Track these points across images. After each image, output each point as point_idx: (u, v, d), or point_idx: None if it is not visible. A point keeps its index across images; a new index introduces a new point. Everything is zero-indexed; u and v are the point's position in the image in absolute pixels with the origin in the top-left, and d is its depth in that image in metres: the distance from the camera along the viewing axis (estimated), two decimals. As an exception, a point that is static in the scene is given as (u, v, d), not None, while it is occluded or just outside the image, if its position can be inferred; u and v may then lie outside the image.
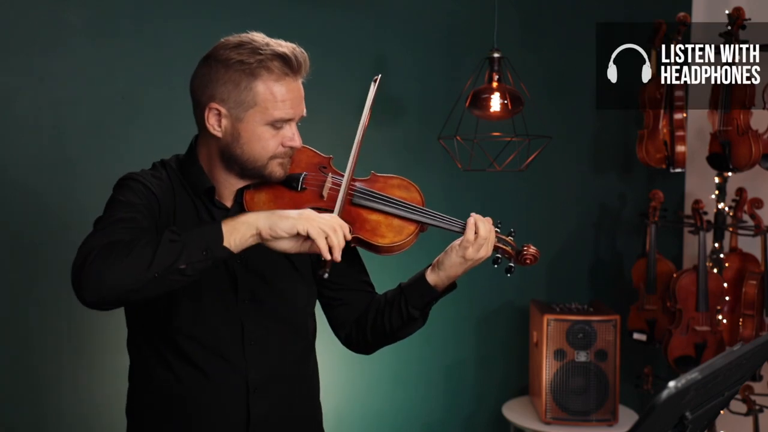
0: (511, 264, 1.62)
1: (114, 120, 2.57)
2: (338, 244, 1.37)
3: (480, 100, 2.67)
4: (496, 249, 1.59)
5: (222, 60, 1.48)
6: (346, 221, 1.51)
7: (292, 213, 1.37)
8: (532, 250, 1.61)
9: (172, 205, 1.53)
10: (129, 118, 2.59)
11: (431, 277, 1.59)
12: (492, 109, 2.67)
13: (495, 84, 2.69)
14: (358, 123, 1.56)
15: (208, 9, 2.70)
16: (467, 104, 2.71)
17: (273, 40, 1.51)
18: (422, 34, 3.13)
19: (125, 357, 1.63)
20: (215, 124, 1.50)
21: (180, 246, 1.31)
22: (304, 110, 1.55)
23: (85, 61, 2.50)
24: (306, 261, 1.64)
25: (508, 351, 3.42)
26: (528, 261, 1.60)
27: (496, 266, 1.62)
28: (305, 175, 1.58)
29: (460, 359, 3.35)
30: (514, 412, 3.19)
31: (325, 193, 1.57)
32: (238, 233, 1.34)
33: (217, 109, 1.49)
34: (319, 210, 1.51)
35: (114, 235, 1.37)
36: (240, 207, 1.56)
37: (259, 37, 1.50)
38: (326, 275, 1.41)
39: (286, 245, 1.37)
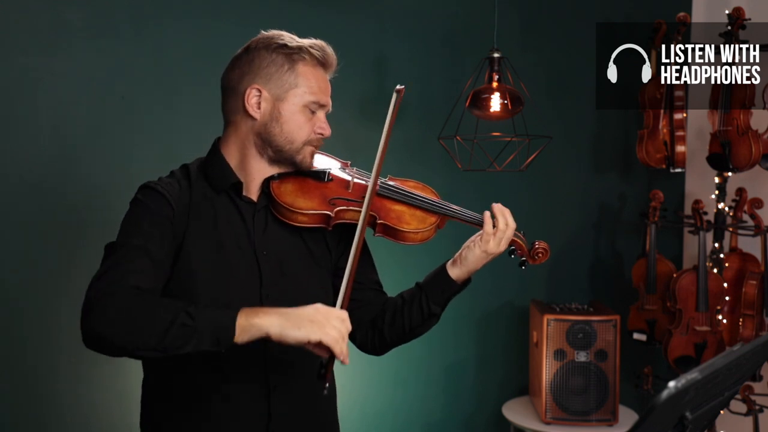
0: (524, 259, 1.72)
1: (114, 120, 2.57)
2: (346, 348, 1.39)
3: (480, 100, 2.67)
4: (511, 243, 1.68)
5: (264, 46, 1.57)
6: (372, 210, 1.60)
7: (304, 316, 1.36)
8: (543, 244, 1.71)
9: (186, 211, 1.54)
10: (129, 118, 2.59)
11: (453, 272, 1.66)
12: (492, 109, 2.67)
13: (495, 84, 2.69)
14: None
15: (208, 9, 2.70)
16: (467, 104, 2.71)
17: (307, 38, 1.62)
18: (422, 34, 3.13)
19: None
20: (255, 105, 1.57)
21: (191, 332, 1.34)
22: (331, 105, 1.63)
23: (85, 61, 2.50)
24: (326, 258, 1.67)
25: (508, 351, 3.42)
26: (540, 255, 1.70)
27: (512, 257, 1.72)
28: (330, 169, 1.66)
29: (460, 359, 3.35)
30: (514, 412, 3.19)
31: (351, 184, 1.64)
32: (247, 334, 1.35)
33: (258, 90, 1.56)
34: (346, 200, 1.60)
35: (125, 278, 1.40)
36: (267, 198, 1.60)
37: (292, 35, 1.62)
38: (326, 391, 1.45)
39: (294, 343, 1.37)
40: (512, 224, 1.65)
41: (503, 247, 1.64)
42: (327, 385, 1.44)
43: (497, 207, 1.66)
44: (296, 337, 1.34)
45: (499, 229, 1.63)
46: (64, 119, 2.49)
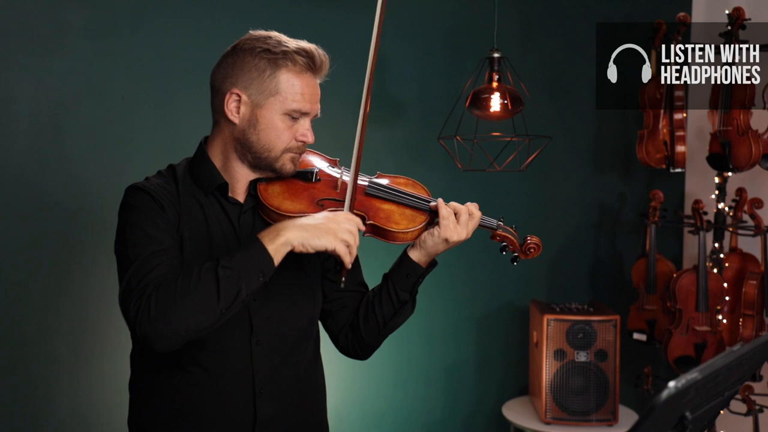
0: (516, 254, 1.70)
1: (114, 120, 2.57)
2: (356, 248, 1.47)
3: (480, 100, 2.67)
4: (503, 239, 1.68)
5: (248, 49, 1.54)
6: (360, 210, 1.59)
7: (320, 227, 1.43)
8: (535, 239, 1.69)
9: (176, 211, 1.54)
10: (129, 118, 2.59)
11: (414, 254, 1.63)
12: (492, 109, 2.67)
13: (495, 84, 2.68)
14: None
15: (208, 9, 2.70)
16: (467, 104, 2.71)
17: (296, 39, 1.58)
18: (422, 34, 3.13)
19: (124, 357, 1.63)
20: (234, 110, 1.54)
21: (236, 277, 1.38)
22: (319, 110, 1.59)
23: (85, 61, 2.50)
24: (315, 263, 1.66)
25: (508, 351, 3.42)
26: (532, 249, 1.69)
27: (504, 253, 1.70)
28: (318, 169, 1.64)
29: (460, 359, 3.35)
30: (514, 412, 3.19)
31: (339, 184, 1.62)
32: (279, 254, 1.42)
33: (238, 95, 1.54)
34: (335, 201, 1.58)
35: (159, 274, 1.42)
36: (253, 199, 1.59)
37: (283, 35, 1.57)
38: (342, 284, 1.53)
39: (314, 251, 1.44)
40: (476, 213, 1.62)
41: (464, 235, 1.60)
42: (344, 279, 1.52)
43: (454, 204, 1.63)
44: (315, 246, 1.42)
45: (461, 218, 1.60)
46: (64, 119, 2.49)
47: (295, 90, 1.53)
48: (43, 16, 2.43)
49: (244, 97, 1.53)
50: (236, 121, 1.54)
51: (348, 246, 1.44)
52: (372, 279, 1.78)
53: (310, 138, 1.57)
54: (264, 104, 1.53)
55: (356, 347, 1.72)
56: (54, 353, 2.52)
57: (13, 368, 2.47)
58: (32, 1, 2.42)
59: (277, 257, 1.41)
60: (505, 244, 1.69)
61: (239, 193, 1.60)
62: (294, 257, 1.61)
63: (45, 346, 2.51)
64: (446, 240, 1.59)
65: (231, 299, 1.38)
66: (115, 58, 2.55)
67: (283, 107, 1.53)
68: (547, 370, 3.02)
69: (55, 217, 2.49)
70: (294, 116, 1.54)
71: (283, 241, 1.41)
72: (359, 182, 1.63)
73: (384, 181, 1.67)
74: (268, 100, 1.52)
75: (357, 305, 1.71)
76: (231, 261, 1.39)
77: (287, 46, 1.53)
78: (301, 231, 1.42)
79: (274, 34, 1.57)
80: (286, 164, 1.57)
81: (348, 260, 1.45)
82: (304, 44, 1.56)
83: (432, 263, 1.66)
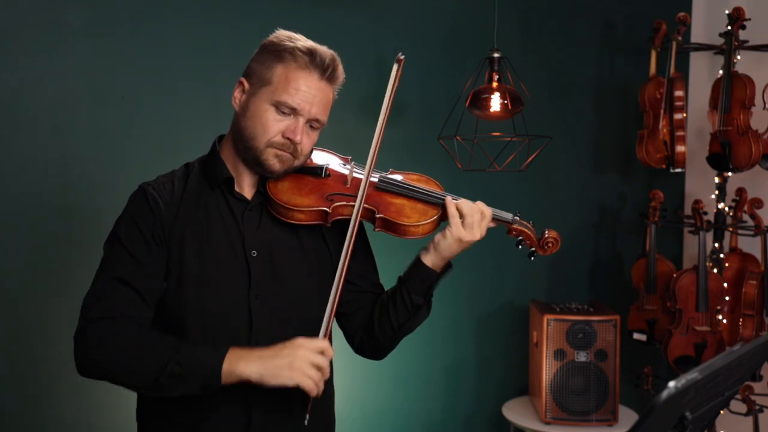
0: (533, 249, 1.68)
1: (114, 120, 2.57)
2: (323, 379, 1.46)
3: (480, 100, 2.67)
4: (519, 233, 1.66)
5: (265, 44, 1.58)
6: (371, 204, 1.58)
7: (283, 363, 1.43)
8: (553, 233, 1.67)
9: (175, 210, 1.55)
10: (129, 118, 2.59)
11: (428, 259, 1.62)
12: (492, 109, 2.67)
13: (495, 84, 2.68)
14: (374, 131, 1.58)
15: (208, 9, 2.70)
16: (467, 104, 2.71)
17: (313, 42, 1.59)
18: (422, 34, 3.13)
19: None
20: (237, 97, 1.58)
21: (181, 380, 1.44)
22: (320, 115, 1.56)
23: (85, 61, 2.50)
24: (325, 258, 1.64)
25: (508, 351, 3.42)
26: (550, 244, 1.67)
27: (519, 248, 1.69)
28: (328, 164, 1.64)
29: (460, 359, 3.35)
30: (514, 412, 3.19)
31: (349, 179, 1.63)
32: (231, 379, 1.44)
33: (242, 83, 1.58)
34: (344, 196, 1.58)
35: (115, 307, 1.49)
36: (261, 196, 1.59)
37: (303, 37, 1.59)
38: (307, 421, 1.51)
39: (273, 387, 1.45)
40: (487, 212, 1.61)
41: (477, 234, 1.58)
42: (308, 416, 1.50)
43: (460, 202, 1.62)
44: (274, 384, 1.43)
45: (465, 217, 1.58)
46: (64, 119, 2.49)
47: (288, 83, 1.52)
48: (43, 16, 2.43)
49: (246, 86, 1.57)
50: (236, 108, 1.58)
51: (314, 380, 1.44)
52: (387, 279, 1.78)
53: (298, 136, 1.53)
54: (257, 93, 1.55)
55: (371, 349, 1.70)
56: (55, 354, 2.52)
57: (14, 369, 2.47)
58: (32, 1, 2.42)
59: (228, 380, 1.43)
60: (521, 238, 1.66)
61: (246, 189, 1.60)
62: (300, 250, 1.61)
63: (45, 347, 2.51)
64: (459, 240, 1.58)
65: (165, 392, 1.45)
66: (115, 58, 2.55)
67: (272, 97, 1.53)
68: (547, 370, 3.02)
69: (55, 217, 2.49)
70: (283, 110, 1.53)
71: (241, 371, 1.43)
72: (370, 178, 1.63)
73: (397, 177, 1.66)
74: (261, 89, 1.54)
75: (372, 307, 1.68)
76: (187, 360, 1.43)
77: (294, 43, 1.54)
78: (260, 368, 1.43)
79: (295, 35, 1.58)
80: (271, 161, 1.55)
81: (315, 393, 1.44)
82: (311, 44, 1.56)
83: (447, 265, 1.64)
